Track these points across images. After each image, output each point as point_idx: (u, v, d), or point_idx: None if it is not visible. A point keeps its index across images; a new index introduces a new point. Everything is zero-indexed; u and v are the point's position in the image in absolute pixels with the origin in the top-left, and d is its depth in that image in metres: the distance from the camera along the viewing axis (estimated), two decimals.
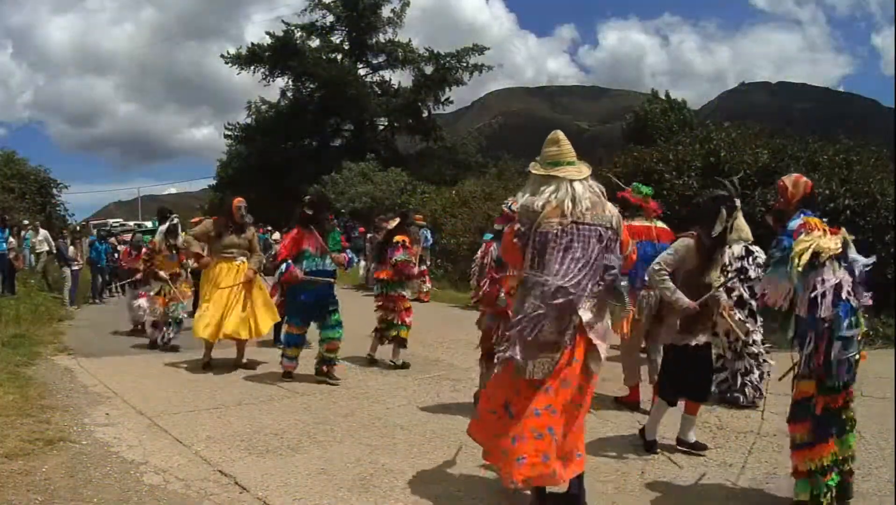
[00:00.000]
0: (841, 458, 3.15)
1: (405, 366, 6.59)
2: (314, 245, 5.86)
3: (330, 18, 32.58)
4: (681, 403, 4.09)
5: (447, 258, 16.25)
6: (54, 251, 13.54)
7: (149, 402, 5.24)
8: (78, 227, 19.88)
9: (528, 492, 3.20)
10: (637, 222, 5.04)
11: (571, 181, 3.11)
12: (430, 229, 15.51)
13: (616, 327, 4.80)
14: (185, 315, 7.87)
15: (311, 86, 32.57)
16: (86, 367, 6.60)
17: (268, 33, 32.12)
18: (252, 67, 32.56)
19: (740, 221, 5.27)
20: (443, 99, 32.66)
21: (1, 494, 3.27)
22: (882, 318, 7.86)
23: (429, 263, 14.28)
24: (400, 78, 34.34)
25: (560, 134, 3.27)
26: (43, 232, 14.62)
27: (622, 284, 3.21)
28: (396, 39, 32.79)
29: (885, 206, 8.77)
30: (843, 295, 3.05)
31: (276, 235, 15.60)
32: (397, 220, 7.16)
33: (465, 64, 31.73)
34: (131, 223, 27.66)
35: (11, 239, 12.39)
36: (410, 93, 32.58)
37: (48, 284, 13.45)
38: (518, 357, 3.03)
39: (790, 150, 10.74)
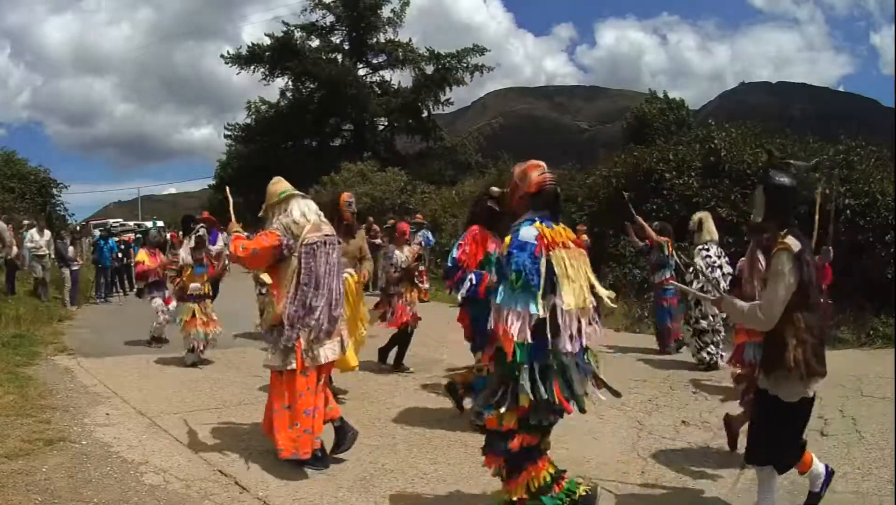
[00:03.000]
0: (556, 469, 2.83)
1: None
2: (499, 247, 3.84)
3: (330, 18, 32.53)
4: None
5: (447, 258, 16.17)
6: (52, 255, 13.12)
7: (149, 402, 5.25)
8: (78, 228, 19.87)
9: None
10: None
11: (304, 198, 3.95)
12: (429, 229, 15.53)
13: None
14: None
15: (311, 86, 32.52)
16: (86, 367, 6.61)
17: (267, 34, 32.15)
18: (252, 67, 32.54)
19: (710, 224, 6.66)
20: (443, 99, 32.65)
21: (1, 494, 3.27)
22: (882, 318, 7.82)
23: (428, 262, 14.30)
24: (400, 78, 34.31)
25: (279, 177, 4.11)
26: (47, 233, 13.30)
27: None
28: (396, 39, 32.77)
29: (885, 206, 8.77)
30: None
31: None
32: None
33: (465, 64, 31.70)
34: (131, 223, 27.68)
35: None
36: (410, 93, 32.53)
37: (38, 288, 12.48)
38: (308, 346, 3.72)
39: (790, 149, 10.75)
